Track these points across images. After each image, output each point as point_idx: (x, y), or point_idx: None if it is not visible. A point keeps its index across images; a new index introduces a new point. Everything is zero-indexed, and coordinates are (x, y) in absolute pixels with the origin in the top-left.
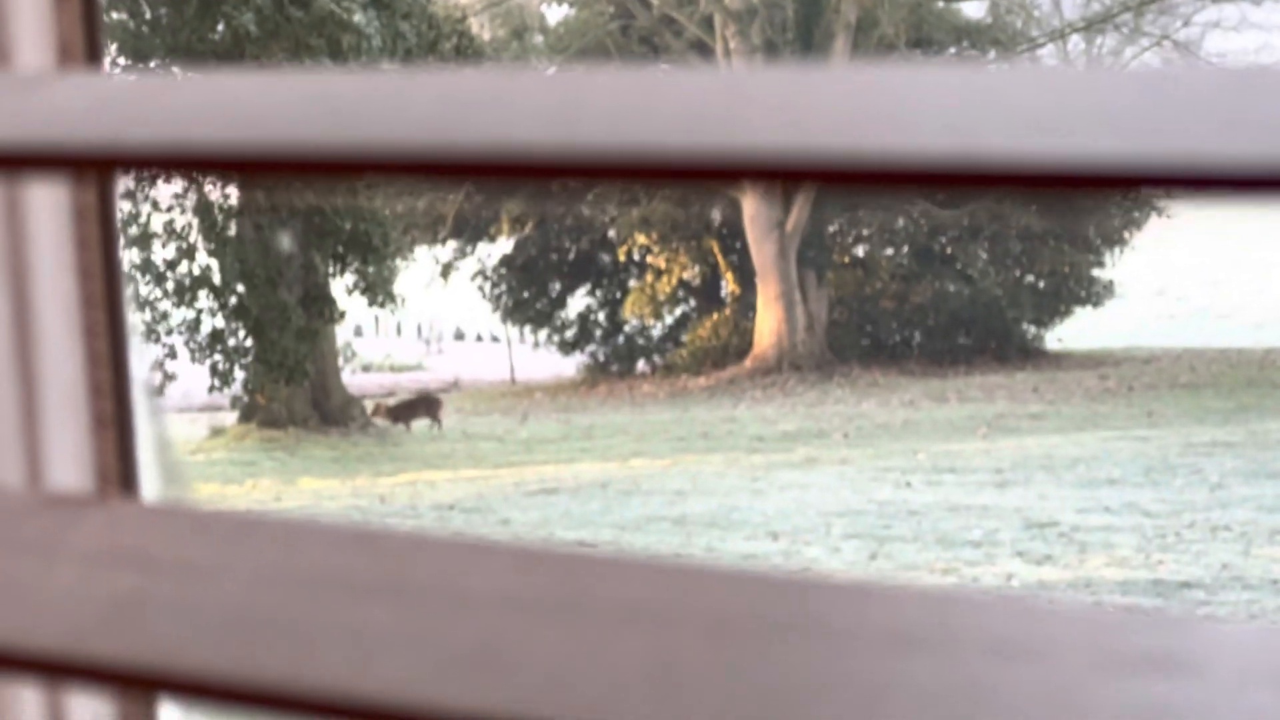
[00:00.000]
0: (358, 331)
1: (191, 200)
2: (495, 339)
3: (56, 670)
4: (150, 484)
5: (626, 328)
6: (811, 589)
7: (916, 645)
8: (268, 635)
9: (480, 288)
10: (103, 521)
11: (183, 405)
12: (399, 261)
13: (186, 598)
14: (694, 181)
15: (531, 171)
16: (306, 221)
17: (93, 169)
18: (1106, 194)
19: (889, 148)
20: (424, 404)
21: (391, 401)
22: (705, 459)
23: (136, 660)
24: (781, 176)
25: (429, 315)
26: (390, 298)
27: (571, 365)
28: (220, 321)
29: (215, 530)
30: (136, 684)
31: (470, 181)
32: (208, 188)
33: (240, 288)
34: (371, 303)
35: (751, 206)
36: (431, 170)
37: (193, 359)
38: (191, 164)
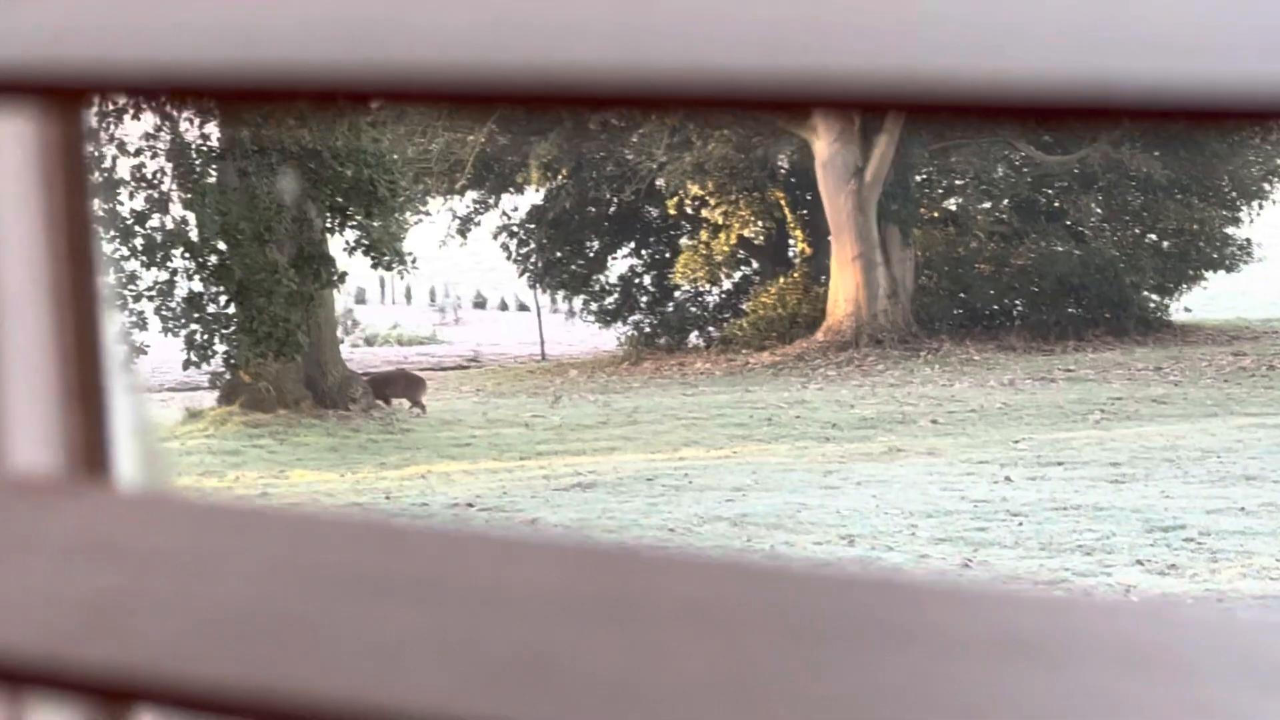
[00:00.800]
0: (360, 297)
1: (165, 141)
2: (523, 307)
3: (25, 680)
4: (128, 467)
5: (677, 294)
6: (900, 590)
7: (1030, 652)
8: (273, 641)
9: (505, 246)
10: (76, 510)
11: (153, 384)
12: (409, 215)
13: (176, 598)
14: (758, 112)
15: (576, 100)
16: (300, 167)
17: (61, 99)
18: (1249, 132)
19: (990, 73)
20: (402, 381)
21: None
22: (769, 449)
23: (118, 670)
24: (861, 108)
25: (444, 279)
26: (398, 257)
27: (612, 338)
28: (198, 284)
29: (208, 521)
30: (118, 697)
31: (500, 113)
32: (184, 126)
33: (221, 245)
34: (376, 263)
35: (825, 149)
36: (456, 98)
37: (165, 329)
38: (176, 90)
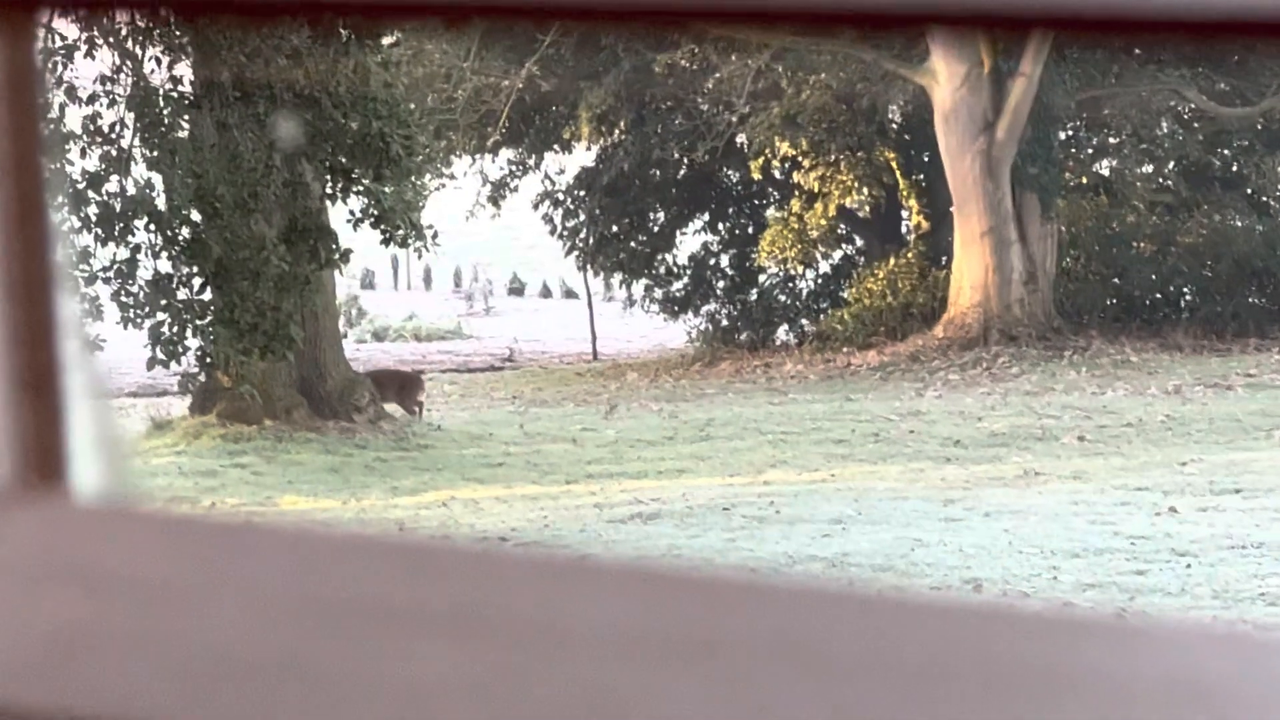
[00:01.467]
0: (368, 281)
1: (125, 86)
2: (569, 293)
3: None
4: (88, 475)
5: (762, 278)
6: (1044, 625)
7: (1212, 697)
8: (275, 682)
9: (548, 218)
10: (32, 522)
11: (111, 387)
12: (429, 178)
13: (154, 629)
14: (868, 28)
15: (642, 15)
16: (294, 117)
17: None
18: None
19: None
20: (393, 381)
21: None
22: (875, 471)
23: (82, 714)
24: (996, 26)
25: (472, 258)
26: (415, 231)
27: (680, 332)
28: (166, 264)
29: (191, 538)
30: None
31: (542, 51)
32: (149, 67)
33: (195, 215)
34: (388, 239)
35: (946, 98)
36: (493, 11)
37: (125, 319)
38: None
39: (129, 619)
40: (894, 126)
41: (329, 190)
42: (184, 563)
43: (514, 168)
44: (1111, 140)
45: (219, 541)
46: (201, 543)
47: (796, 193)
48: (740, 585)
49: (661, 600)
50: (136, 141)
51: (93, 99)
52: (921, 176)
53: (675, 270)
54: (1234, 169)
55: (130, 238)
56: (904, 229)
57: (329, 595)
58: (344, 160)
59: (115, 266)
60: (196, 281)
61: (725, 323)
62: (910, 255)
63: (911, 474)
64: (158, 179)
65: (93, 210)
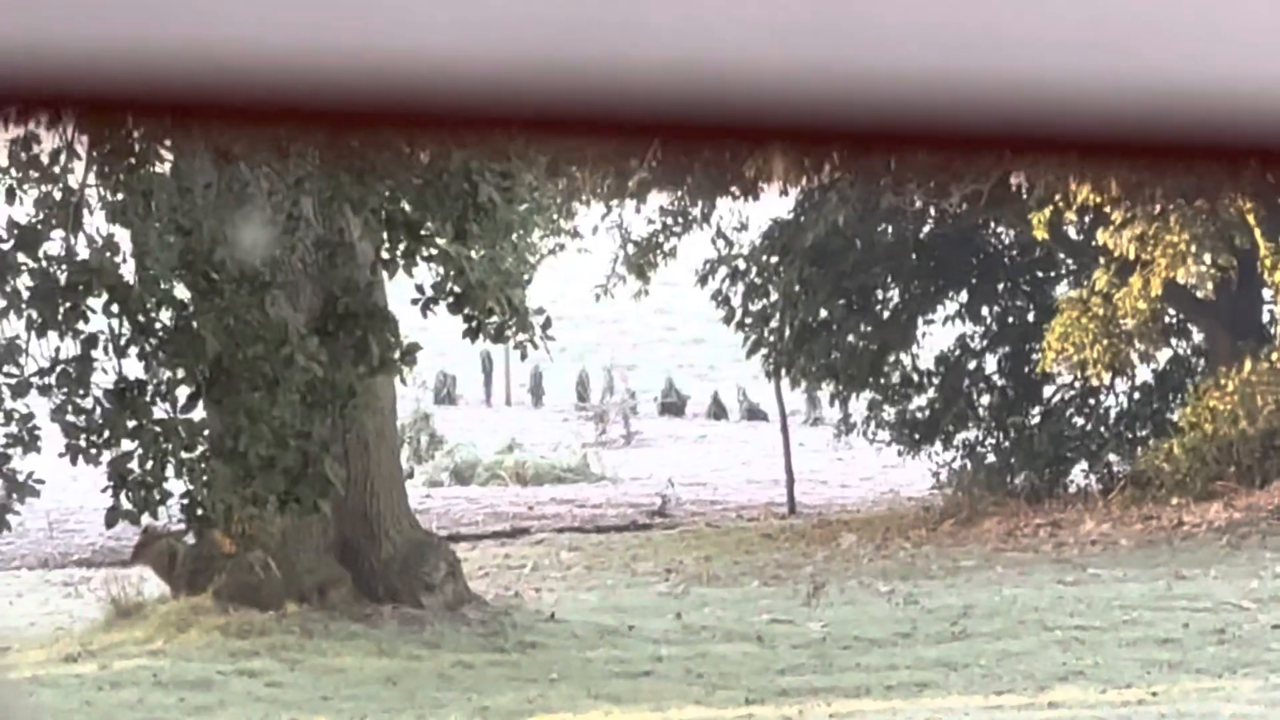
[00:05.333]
0: (445, 393)
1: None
2: (755, 413)
3: None
4: None
5: (1048, 391)
6: None
7: None
8: None
9: (722, 297)
10: None
11: (50, 553)
12: (538, 237)
13: None
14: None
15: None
16: (331, 150)
17: None
18: None
19: None
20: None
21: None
22: (1220, 689)
23: None
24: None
25: (604, 358)
26: (517, 317)
27: (922, 473)
28: (135, 366)
29: None
30: None
31: None
32: None
33: (180, 291)
34: (476, 327)
35: None
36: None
37: (73, 449)
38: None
39: None
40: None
41: (385, 254)
42: None
43: (670, 221)
44: None
45: None
46: None
47: (1102, 261)
48: None
49: None
50: (92, 179)
51: (25, 112)
52: None
53: (916, 379)
54: None
55: (82, 325)
56: (1265, 316)
57: None
58: (408, 208)
59: (58, 368)
60: (182, 393)
61: (992, 458)
62: (1276, 357)
63: (1277, 692)
64: (124, 235)
65: (24, 282)
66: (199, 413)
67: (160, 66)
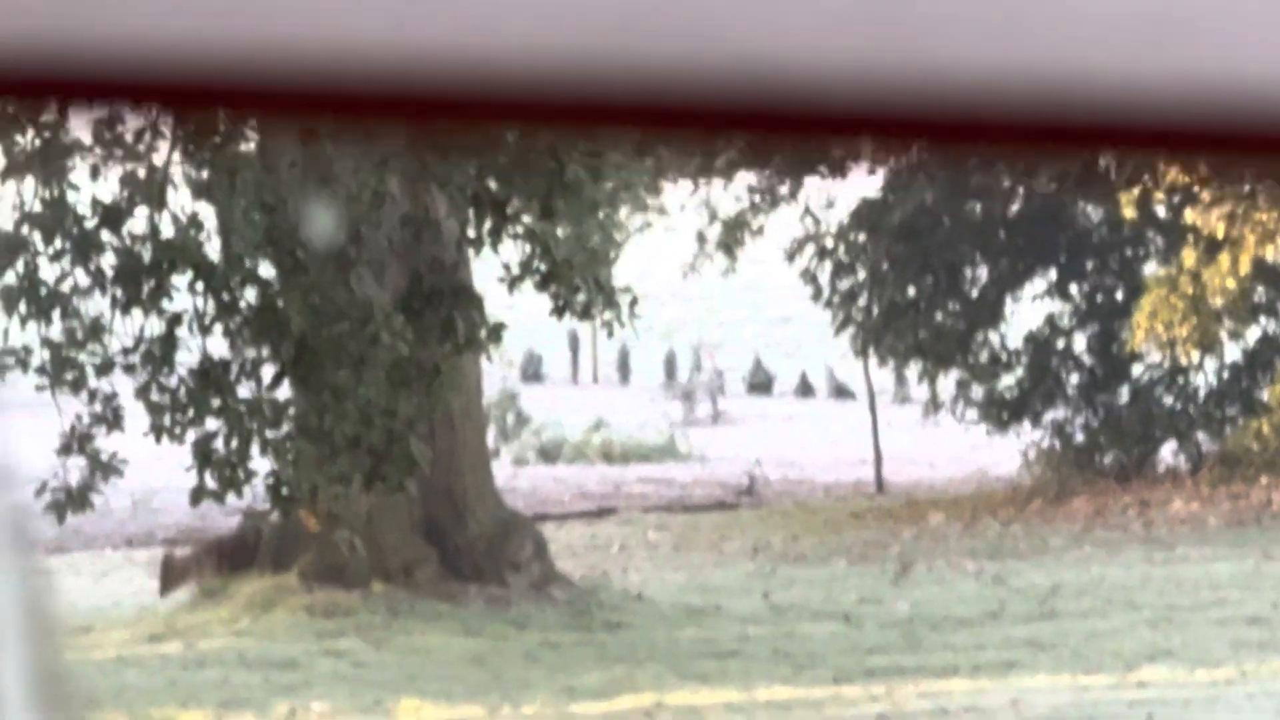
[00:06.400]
0: (531, 371)
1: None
2: (842, 391)
3: None
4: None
5: (1137, 370)
6: None
7: None
8: None
9: (809, 276)
10: None
11: (135, 532)
12: (625, 214)
13: None
14: None
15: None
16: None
17: None
18: None
19: None
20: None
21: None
22: None
23: None
24: None
25: (692, 336)
26: (605, 296)
27: (1011, 452)
28: (220, 344)
29: None
30: None
31: None
32: None
33: (264, 269)
34: (563, 305)
35: None
36: None
37: (157, 429)
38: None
39: None
40: None
41: (471, 232)
42: None
43: (757, 199)
44: None
45: None
46: None
47: (1190, 239)
48: None
49: None
50: (177, 157)
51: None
52: None
53: (1004, 357)
54: None
55: (166, 303)
56: None
57: None
58: (494, 186)
59: (143, 347)
60: (267, 371)
61: (1080, 438)
62: None
63: None
64: (209, 213)
65: (108, 260)
66: (284, 391)
67: (245, 58)
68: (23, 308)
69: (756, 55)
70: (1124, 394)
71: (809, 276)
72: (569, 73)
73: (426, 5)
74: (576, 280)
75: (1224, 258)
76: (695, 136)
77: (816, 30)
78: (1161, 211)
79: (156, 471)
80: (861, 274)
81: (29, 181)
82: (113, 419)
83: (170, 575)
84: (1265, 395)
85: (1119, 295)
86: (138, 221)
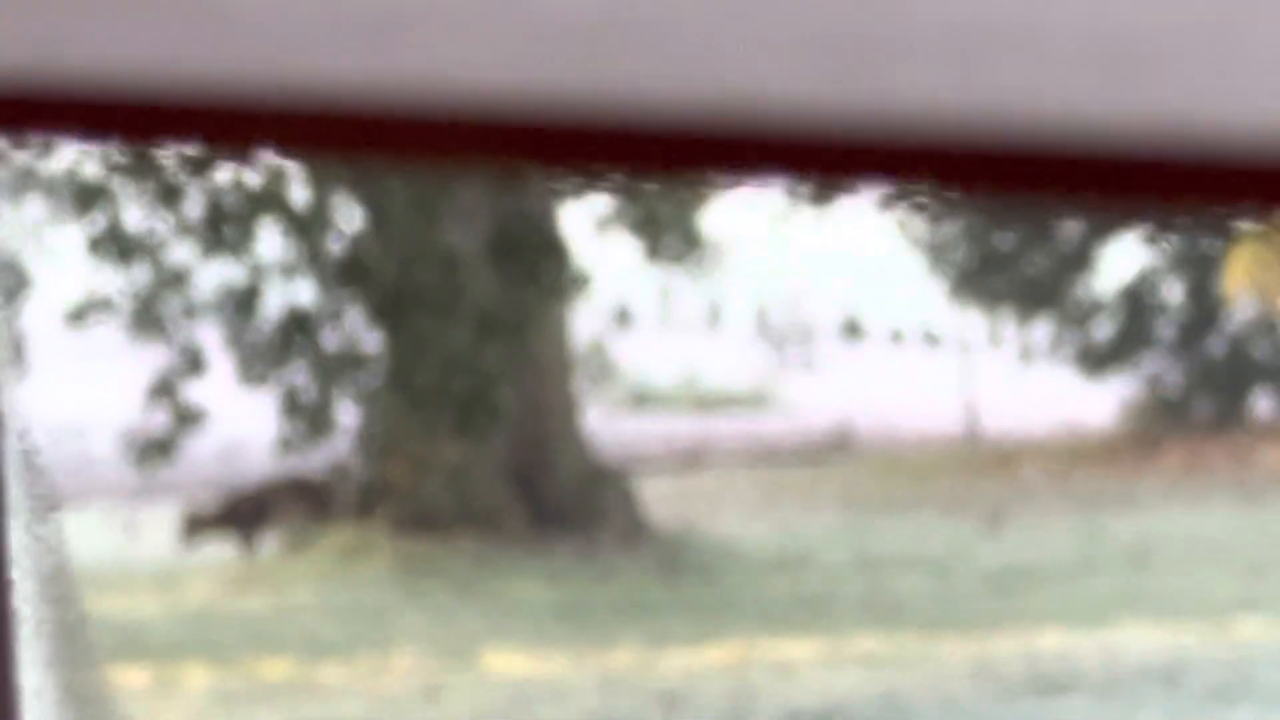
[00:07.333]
0: (620, 318)
1: None
2: (934, 339)
3: None
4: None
5: (1230, 320)
6: None
7: None
8: None
9: (902, 222)
10: None
11: (220, 482)
12: None
13: None
14: None
15: None
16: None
17: None
18: None
19: None
20: (281, 500)
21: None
22: None
23: None
24: None
25: (783, 285)
26: (694, 242)
27: (1105, 400)
28: (304, 291)
29: None
30: None
31: None
32: None
33: (352, 217)
34: (651, 252)
35: None
36: None
37: (244, 375)
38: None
39: None
40: None
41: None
42: None
43: None
44: None
45: None
46: None
47: None
48: None
49: None
50: None
51: None
52: None
53: (1093, 306)
54: None
55: (250, 248)
56: None
57: None
58: None
59: (229, 294)
60: (354, 320)
61: (1173, 388)
62: None
63: None
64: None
65: (193, 207)
66: (369, 339)
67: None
68: (108, 256)
69: (737, 83)
70: (1218, 345)
71: (901, 224)
72: (539, 104)
73: (405, 35)
74: (665, 227)
75: None
76: (682, 172)
77: (792, 59)
78: None
79: (242, 421)
80: (955, 222)
81: None
82: (198, 368)
83: (192, 528)
84: None
85: (1213, 245)
86: (223, 170)
